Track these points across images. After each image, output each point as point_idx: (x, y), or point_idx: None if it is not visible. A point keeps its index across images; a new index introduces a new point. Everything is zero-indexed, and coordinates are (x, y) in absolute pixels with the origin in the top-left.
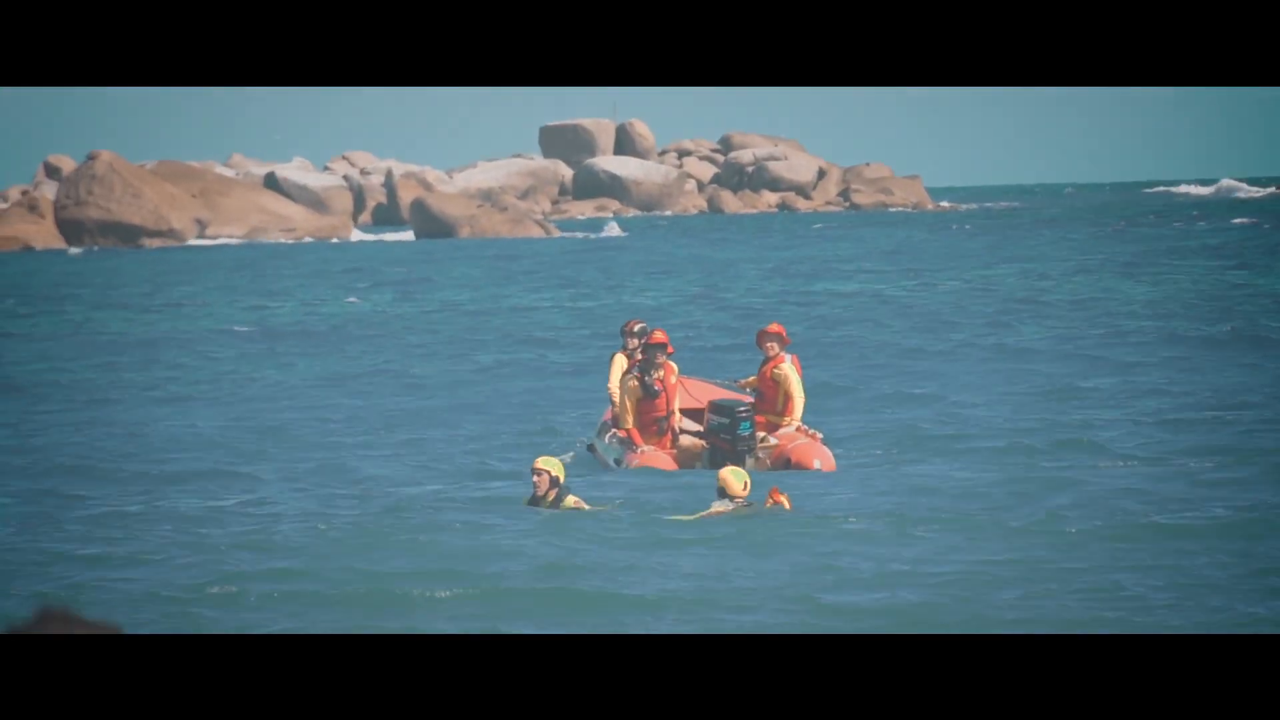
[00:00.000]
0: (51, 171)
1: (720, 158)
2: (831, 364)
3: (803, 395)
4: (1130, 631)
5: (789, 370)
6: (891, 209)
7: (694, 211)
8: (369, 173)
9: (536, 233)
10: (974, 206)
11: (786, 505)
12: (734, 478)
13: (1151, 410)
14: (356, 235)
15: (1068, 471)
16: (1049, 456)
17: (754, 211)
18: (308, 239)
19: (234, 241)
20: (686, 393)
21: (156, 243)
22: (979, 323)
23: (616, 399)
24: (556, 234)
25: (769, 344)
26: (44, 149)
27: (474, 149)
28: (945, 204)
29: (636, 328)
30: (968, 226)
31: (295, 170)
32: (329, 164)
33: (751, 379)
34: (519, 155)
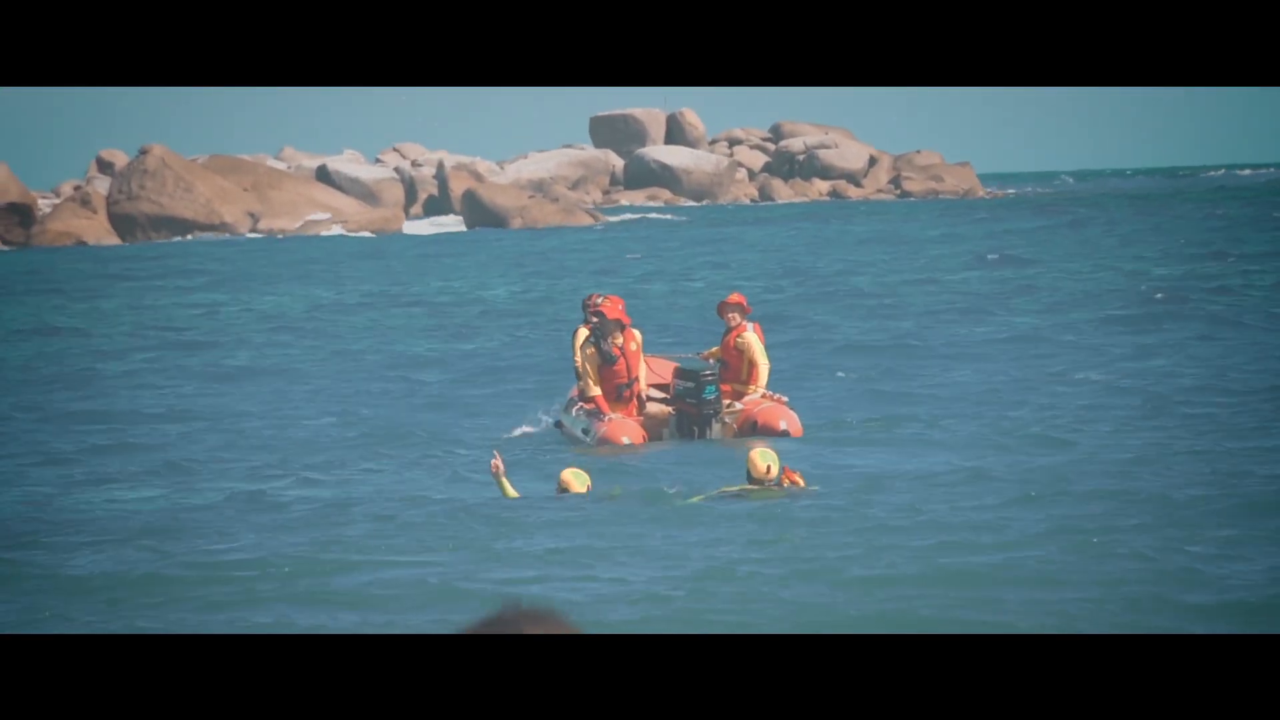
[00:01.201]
0: (104, 166)
1: (771, 146)
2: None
3: (767, 362)
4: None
5: (752, 339)
6: (942, 196)
7: (745, 200)
8: (420, 164)
9: (587, 222)
10: (1026, 191)
11: (800, 483)
12: (759, 460)
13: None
14: (408, 227)
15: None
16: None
17: (805, 200)
18: (365, 233)
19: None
20: (651, 371)
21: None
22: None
23: (580, 369)
24: (604, 220)
25: (730, 314)
26: (96, 144)
27: (525, 140)
28: (996, 190)
29: (596, 301)
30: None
31: (346, 163)
32: (380, 156)
33: (715, 350)
34: (569, 146)
